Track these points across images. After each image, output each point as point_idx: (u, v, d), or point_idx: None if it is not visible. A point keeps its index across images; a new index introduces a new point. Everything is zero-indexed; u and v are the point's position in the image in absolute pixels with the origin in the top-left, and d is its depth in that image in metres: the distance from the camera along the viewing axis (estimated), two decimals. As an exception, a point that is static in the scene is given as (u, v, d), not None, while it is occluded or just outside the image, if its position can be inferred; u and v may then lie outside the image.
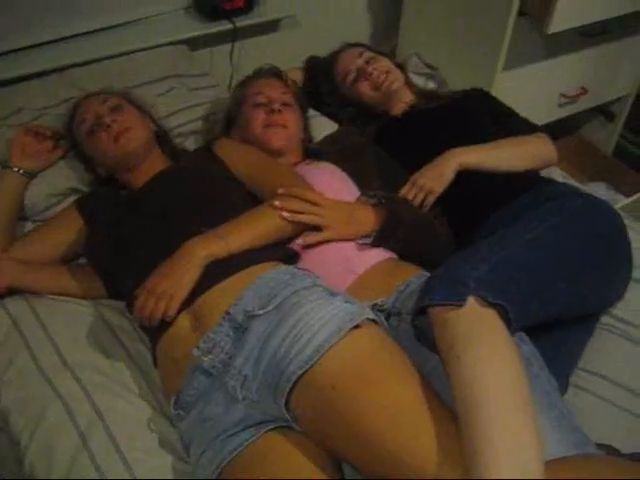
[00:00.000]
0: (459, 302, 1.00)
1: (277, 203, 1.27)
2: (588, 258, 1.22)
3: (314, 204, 1.31)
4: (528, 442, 0.89)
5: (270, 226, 1.26)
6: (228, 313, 1.11)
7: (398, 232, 1.34)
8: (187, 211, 1.30)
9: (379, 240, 1.33)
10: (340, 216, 1.33)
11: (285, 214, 1.27)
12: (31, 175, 1.51)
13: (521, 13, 1.92)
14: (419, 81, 1.98)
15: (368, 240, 1.33)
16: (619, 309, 1.39)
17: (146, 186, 1.39)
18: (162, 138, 1.56)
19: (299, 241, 1.31)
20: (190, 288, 1.14)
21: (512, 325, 1.03)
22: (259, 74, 1.68)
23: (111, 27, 1.90)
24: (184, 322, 1.15)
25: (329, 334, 1.00)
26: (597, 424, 1.18)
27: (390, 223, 1.34)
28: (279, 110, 1.55)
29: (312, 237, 1.31)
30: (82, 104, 1.49)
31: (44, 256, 1.42)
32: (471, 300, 1.00)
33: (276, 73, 1.68)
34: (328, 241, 1.31)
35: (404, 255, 1.38)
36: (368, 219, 1.35)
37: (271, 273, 1.15)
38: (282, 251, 1.29)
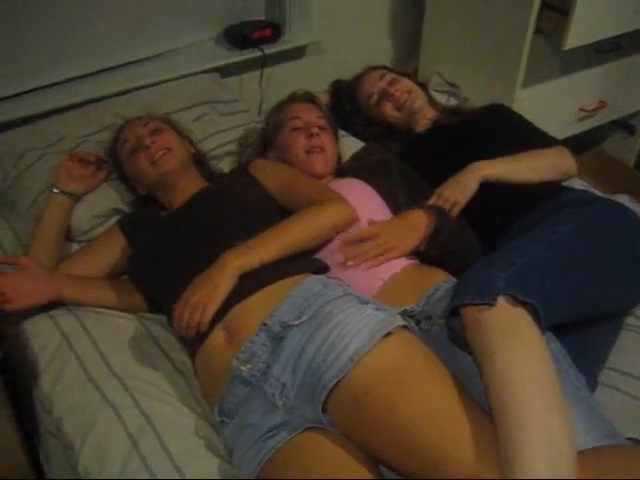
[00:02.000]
0: (490, 301, 1.03)
1: (341, 259, 1.33)
2: (610, 258, 1.25)
3: (371, 237, 1.36)
4: (560, 438, 0.91)
5: (300, 235, 1.30)
6: (265, 324, 1.14)
7: (444, 236, 1.38)
8: (224, 229, 1.34)
9: (431, 242, 1.38)
10: (397, 233, 1.37)
11: (351, 263, 1.34)
12: (75, 197, 1.57)
13: (538, 31, 1.96)
14: (441, 99, 2.03)
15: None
16: (643, 310, 1.41)
17: (184, 206, 1.45)
18: (200, 160, 1.63)
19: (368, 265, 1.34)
20: (224, 297, 1.17)
21: (542, 323, 1.05)
22: (294, 99, 1.74)
23: (147, 58, 1.99)
24: (218, 336, 1.19)
25: (362, 343, 1.03)
26: (624, 419, 1.19)
27: (439, 225, 1.38)
28: (317, 133, 1.60)
29: (376, 261, 1.35)
30: (125, 127, 1.57)
31: (90, 274, 1.47)
32: (501, 299, 1.03)
33: (310, 98, 1.74)
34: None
35: (430, 261, 1.41)
36: (422, 220, 1.40)
37: (304, 284, 1.19)
38: (313, 263, 1.32)
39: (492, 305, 1.03)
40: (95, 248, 1.52)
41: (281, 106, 1.73)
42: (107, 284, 1.48)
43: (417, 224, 1.40)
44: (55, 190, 1.54)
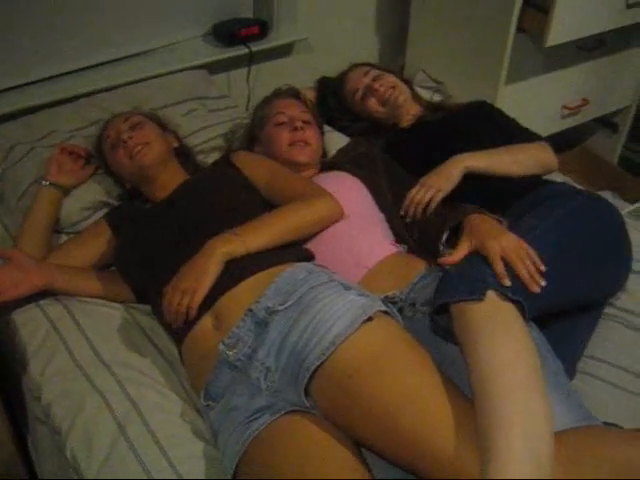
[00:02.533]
0: (479, 297, 1.05)
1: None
2: (590, 251, 1.28)
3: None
4: (540, 423, 0.93)
5: (287, 226, 1.32)
6: (250, 310, 1.16)
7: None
8: (208, 220, 1.36)
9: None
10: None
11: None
12: (64, 191, 1.59)
13: (521, 29, 2.00)
14: (426, 95, 2.04)
15: None
16: (622, 300, 1.44)
17: (168, 198, 1.47)
18: (184, 153, 1.64)
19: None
20: (211, 283, 1.19)
21: (527, 317, 1.08)
22: (278, 94, 1.76)
23: (136, 54, 2.00)
24: (206, 323, 1.21)
25: (344, 327, 1.06)
26: (602, 406, 1.23)
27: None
28: (301, 127, 1.62)
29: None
30: (108, 124, 1.59)
31: (76, 265, 1.49)
32: (491, 293, 1.06)
33: (295, 93, 1.76)
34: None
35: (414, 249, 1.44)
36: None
37: (289, 271, 1.21)
38: (299, 253, 1.34)
39: (481, 300, 1.05)
40: (82, 240, 1.54)
41: (266, 102, 1.75)
42: (95, 274, 1.49)
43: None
44: (44, 182, 1.56)
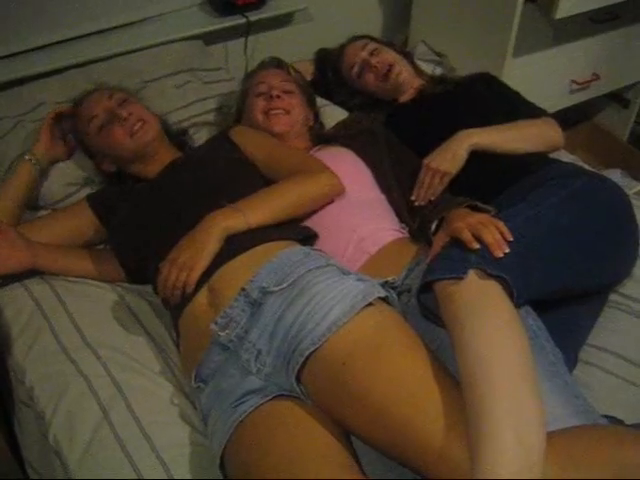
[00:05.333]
0: (460, 275, 1.03)
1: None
2: (592, 233, 1.24)
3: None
4: (529, 410, 0.91)
5: (287, 201, 1.30)
6: (243, 289, 1.14)
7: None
8: (206, 195, 1.33)
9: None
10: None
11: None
12: (46, 166, 1.54)
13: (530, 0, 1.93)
14: (427, 68, 1.99)
15: None
16: (627, 287, 1.40)
17: (163, 174, 1.44)
18: (167, 129, 1.60)
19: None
20: (210, 259, 1.18)
21: (515, 296, 1.05)
22: (261, 66, 1.74)
23: (128, 24, 1.94)
24: (202, 298, 1.18)
25: (342, 312, 1.03)
26: (603, 396, 1.20)
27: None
28: (278, 96, 1.59)
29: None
30: (86, 102, 1.50)
31: (49, 241, 1.45)
32: (471, 272, 1.04)
33: (277, 63, 1.73)
34: None
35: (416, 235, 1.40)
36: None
37: (286, 252, 1.19)
38: (300, 230, 1.32)
39: (462, 278, 1.03)
40: (58, 218, 1.51)
41: (249, 74, 1.74)
42: (83, 253, 1.47)
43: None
44: (27, 157, 1.51)
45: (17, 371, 1.30)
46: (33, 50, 1.82)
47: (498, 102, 1.63)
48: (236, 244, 1.20)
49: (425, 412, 0.95)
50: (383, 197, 1.50)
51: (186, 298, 1.19)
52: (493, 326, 0.98)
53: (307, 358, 1.03)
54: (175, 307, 1.23)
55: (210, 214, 1.22)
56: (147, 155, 1.47)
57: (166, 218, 1.33)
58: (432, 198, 1.45)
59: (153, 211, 1.36)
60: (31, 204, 1.55)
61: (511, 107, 1.61)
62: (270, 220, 1.26)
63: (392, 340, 1.04)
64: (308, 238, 1.33)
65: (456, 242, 1.13)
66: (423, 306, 1.13)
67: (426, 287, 1.09)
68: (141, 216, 1.37)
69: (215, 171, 1.39)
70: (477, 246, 1.08)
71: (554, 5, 1.86)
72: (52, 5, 1.80)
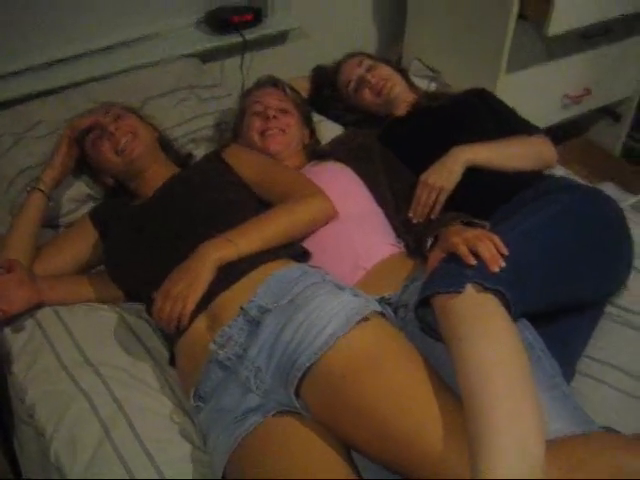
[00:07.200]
0: (458, 289, 1.04)
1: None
2: (586, 246, 1.25)
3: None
4: (529, 422, 0.91)
5: (278, 229, 1.29)
6: (242, 309, 1.15)
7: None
8: (199, 217, 1.33)
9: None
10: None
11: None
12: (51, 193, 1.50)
13: (522, 16, 1.95)
14: (422, 84, 2.02)
15: None
16: (623, 298, 1.41)
17: (157, 194, 1.43)
18: (166, 144, 1.60)
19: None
20: (203, 290, 1.17)
21: (511, 309, 1.06)
22: (258, 85, 1.74)
23: (127, 42, 1.96)
24: (200, 324, 1.19)
25: (337, 327, 1.04)
26: (599, 408, 1.20)
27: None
28: (274, 116, 1.60)
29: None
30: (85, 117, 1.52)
31: (64, 270, 1.45)
32: (469, 287, 1.04)
33: (274, 82, 1.73)
34: None
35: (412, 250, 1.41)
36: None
37: (283, 270, 1.19)
38: (293, 248, 1.32)
39: (459, 293, 1.03)
40: (66, 242, 1.49)
41: (246, 93, 1.74)
42: (85, 281, 1.46)
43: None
44: (38, 187, 1.47)
45: (17, 389, 1.30)
46: (32, 69, 1.84)
47: (493, 118, 1.64)
48: (232, 271, 1.20)
49: (424, 424, 0.96)
50: (379, 212, 1.51)
51: (183, 328, 1.19)
52: (491, 339, 0.99)
53: (305, 373, 1.03)
54: (172, 334, 1.23)
55: (202, 245, 1.22)
56: (138, 170, 1.47)
57: (158, 243, 1.32)
58: (432, 217, 1.45)
59: (146, 233, 1.36)
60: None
61: (506, 124, 1.62)
62: (261, 248, 1.26)
63: (390, 353, 1.05)
64: (302, 255, 1.33)
65: (453, 257, 1.13)
66: (421, 320, 1.14)
67: (424, 302, 1.10)
68: (134, 237, 1.37)
69: (208, 196, 1.38)
70: (474, 261, 1.09)
71: (546, 22, 1.89)
72: (50, 25, 1.83)
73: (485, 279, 1.05)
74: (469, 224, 1.27)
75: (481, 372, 0.95)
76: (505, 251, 1.11)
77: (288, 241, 1.32)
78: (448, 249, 1.16)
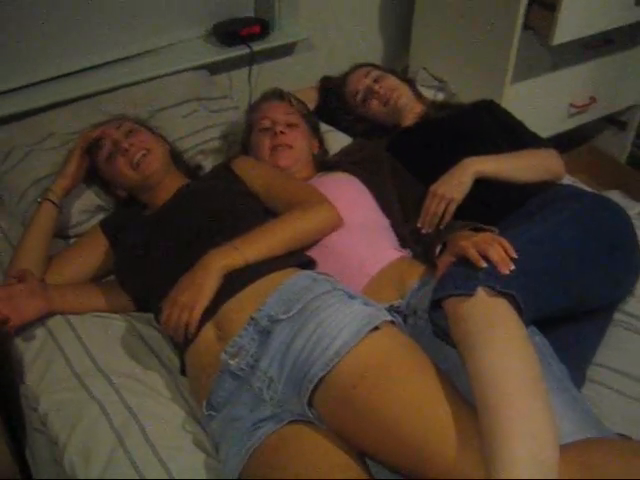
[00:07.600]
0: (469, 292, 1.04)
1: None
2: (595, 252, 1.25)
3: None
4: (542, 426, 0.91)
5: (284, 237, 1.30)
6: (252, 318, 1.15)
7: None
8: (208, 227, 1.34)
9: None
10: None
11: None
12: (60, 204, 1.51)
13: (527, 27, 1.97)
14: (429, 94, 2.03)
15: None
16: (631, 305, 1.41)
17: (168, 204, 1.44)
18: (176, 156, 1.62)
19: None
20: (210, 298, 1.18)
21: (523, 313, 1.06)
22: (264, 98, 1.75)
23: (136, 55, 1.98)
24: (209, 333, 1.19)
25: (349, 337, 1.04)
26: (609, 414, 1.21)
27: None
28: (282, 132, 1.61)
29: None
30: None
31: (75, 279, 1.46)
32: (480, 290, 1.04)
33: (280, 95, 1.74)
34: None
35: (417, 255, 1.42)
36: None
37: (292, 279, 1.19)
38: (299, 257, 1.33)
39: (471, 295, 1.03)
40: (78, 252, 1.50)
41: (253, 107, 1.75)
42: (96, 290, 1.46)
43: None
44: (50, 198, 1.48)
45: (30, 398, 1.30)
46: (43, 82, 1.86)
47: (501, 130, 1.65)
48: (239, 279, 1.21)
49: (437, 431, 0.96)
50: (386, 222, 1.52)
51: (191, 336, 1.19)
52: (503, 343, 0.99)
53: (317, 383, 1.03)
54: (181, 343, 1.23)
55: (208, 253, 1.22)
56: (152, 183, 1.49)
57: (168, 253, 1.33)
58: (441, 227, 1.46)
59: (156, 243, 1.36)
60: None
61: (514, 136, 1.64)
62: (268, 256, 1.26)
63: (402, 361, 1.05)
64: (307, 264, 1.33)
65: (462, 261, 1.14)
66: (435, 324, 1.14)
67: (435, 305, 1.10)
68: (144, 247, 1.38)
69: (217, 206, 1.39)
70: (484, 264, 1.09)
71: (551, 32, 1.90)
72: (61, 39, 1.85)
73: (496, 282, 1.05)
74: (477, 230, 1.28)
75: (493, 377, 0.95)
76: (514, 255, 1.12)
77: (294, 249, 1.32)
78: (458, 253, 1.17)
